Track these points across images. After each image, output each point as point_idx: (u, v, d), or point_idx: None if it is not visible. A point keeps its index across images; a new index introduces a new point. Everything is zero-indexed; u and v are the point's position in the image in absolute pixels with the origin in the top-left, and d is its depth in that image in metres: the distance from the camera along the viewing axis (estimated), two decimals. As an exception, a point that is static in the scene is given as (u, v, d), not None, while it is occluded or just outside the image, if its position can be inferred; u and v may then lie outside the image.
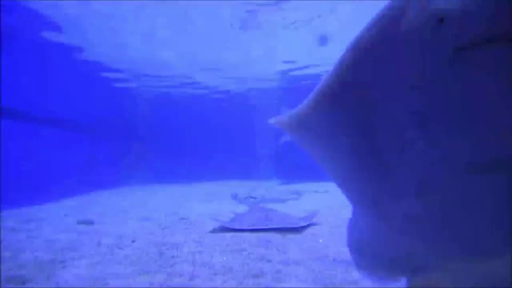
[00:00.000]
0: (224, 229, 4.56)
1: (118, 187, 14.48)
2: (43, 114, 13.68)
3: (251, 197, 8.06)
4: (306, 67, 13.95)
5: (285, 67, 14.33)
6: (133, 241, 4.15)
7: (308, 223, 4.75)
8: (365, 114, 1.08)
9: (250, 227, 4.44)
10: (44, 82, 13.10)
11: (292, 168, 17.87)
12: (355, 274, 2.80)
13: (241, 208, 6.83)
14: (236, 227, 4.51)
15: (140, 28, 9.11)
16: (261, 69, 14.23)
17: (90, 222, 5.52)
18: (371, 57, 1.02)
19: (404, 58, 0.96)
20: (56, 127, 15.19)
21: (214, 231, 4.58)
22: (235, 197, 7.67)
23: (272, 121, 1.48)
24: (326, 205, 7.52)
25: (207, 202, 8.37)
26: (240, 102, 20.56)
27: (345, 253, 3.13)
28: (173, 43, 10.58)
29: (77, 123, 16.66)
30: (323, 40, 9.76)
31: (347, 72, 1.08)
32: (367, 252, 1.53)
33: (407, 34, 0.94)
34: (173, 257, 3.44)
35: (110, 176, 16.39)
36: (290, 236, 4.32)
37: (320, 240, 4.23)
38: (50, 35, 9.23)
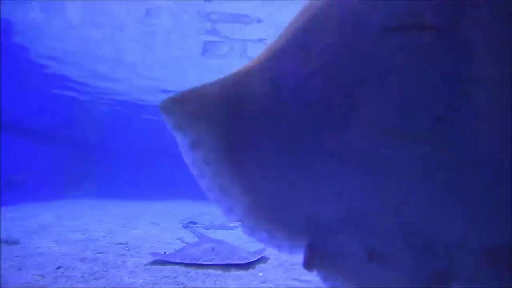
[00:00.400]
0: (164, 262, 4.35)
1: (60, 200, 13.29)
2: None
3: (191, 222, 7.93)
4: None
5: None
6: (58, 268, 3.84)
7: (258, 257, 4.58)
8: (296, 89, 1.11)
9: (193, 261, 4.24)
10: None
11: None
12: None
13: (189, 235, 6.68)
14: (177, 260, 4.31)
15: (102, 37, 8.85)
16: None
17: (14, 242, 4.99)
18: (306, 35, 1.06)
19: (338, 35, 0.98)
20: None
21: (153, 263, 4.39)
22: (186, 226, 7.38)
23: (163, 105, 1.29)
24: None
25: (153, 224, 8.04)
26: None
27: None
28: (134, 61, 10.48)
29: (16, 126, 15.29)
30: None
31: (284, 45, 1.11)
32: (266, 205, 1.41)
33: (342, 12, 0.97)
34: (98, 289, 3.26)
35: (52, 186, 15.04)
36: (233, 270, 4.28)
37: (260, 274, 4.29)
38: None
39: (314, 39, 1.04)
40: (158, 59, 10.59)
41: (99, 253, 4.69)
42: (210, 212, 10.12)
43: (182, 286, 3.54)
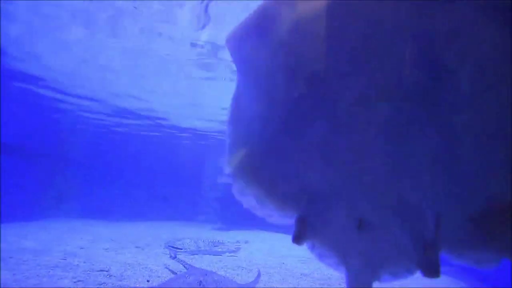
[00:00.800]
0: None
1: (41, 219, 12.71)
2: None
3: (176, 248, 7.64)
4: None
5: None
6: (33, 299, 3.63)
7: None
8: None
9: None
10: None
11: (233, 214, 17.79)
12: None
13: (175, 263, 6.45)
14: None
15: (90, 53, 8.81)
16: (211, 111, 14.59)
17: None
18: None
19: None
20: None
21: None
22: (173, 257, 6.85)
23: None
24: (266, 264, 7.52)
25: (137, 248, 7.75)
26: (187, 141, 20.38)
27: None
28: (124, 77, 10.47)
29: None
30: None
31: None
32: (262, 172, 1.41)
33: None
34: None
35: (30, 205, 14.40)
36: None
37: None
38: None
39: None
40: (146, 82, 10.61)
41: (78, 281, 4.46)
42: (192, 236, 9.83)
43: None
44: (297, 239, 1.40)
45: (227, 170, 1.46)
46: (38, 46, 8.15)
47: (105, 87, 11.39)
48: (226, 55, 7.68)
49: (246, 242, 9.15)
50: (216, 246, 8.17)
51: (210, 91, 10.91)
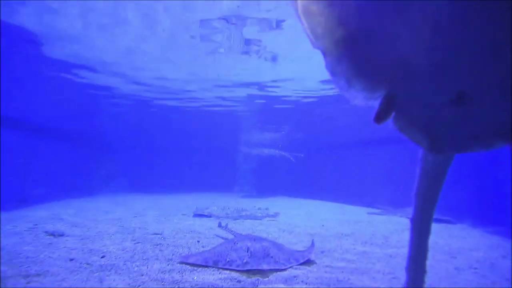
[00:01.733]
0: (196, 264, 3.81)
1: (91, 196, 14.05)
2: (12, 117, 13.35)
3: (201, 214, 7.85)
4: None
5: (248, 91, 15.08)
6: (102, 257, 4.08)
7: (302, 261, 3.95)
8: None
9: (225, 266, 3.61)
10: (10, 82, 12.71)
11: (267, 184, 18.22)
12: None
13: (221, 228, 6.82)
14: (210, 264, 3.74)
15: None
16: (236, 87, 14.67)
17: (59, 234, 5.35)
18: None
19: None
20: (26, 131, 14.85)
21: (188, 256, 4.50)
22: (219, 225, 6.76)
23: None
24: (306, 226, 7.66)
25: (184, 216, 8.30)
26: (219, 113, 20.68)
27: None
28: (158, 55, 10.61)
29: (48, 128, 16.27)
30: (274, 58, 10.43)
31: None
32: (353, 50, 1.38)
33: None
34: (142, 275, 3.42)
35: (83, 184, 15.93)
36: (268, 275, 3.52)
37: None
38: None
39: None
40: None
41: (137, 242, 4.92)
42: (222, 205, 10.16)
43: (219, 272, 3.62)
44: (381, 117, 1.41)
45: (319, 44, 1.38)
46: (74, 28, 8.38)
47: (142, 63, 11.67)
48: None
49: (278, 213, 9.34)
50: (241, 212, 8.40)
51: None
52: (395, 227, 7.58)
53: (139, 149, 22.76)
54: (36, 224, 6.20)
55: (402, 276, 3.68)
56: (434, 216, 7.87)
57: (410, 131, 1.48)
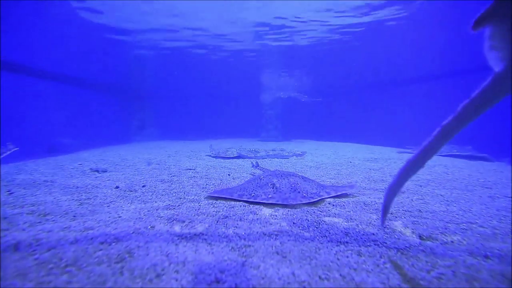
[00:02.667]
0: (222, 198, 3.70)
1: (126, 143, 14.97)
2: (52, 70, 13.75)
3: (217, 156, 7.87)
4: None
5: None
6: (143, 186, 4.44)
7: (334, 194, 3.73)
8: None
9: (250, 199, 3.46)
10: (48, 37, 12.92)
11: (292, 128, 18.16)
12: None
13: (247, 163, 7.06)
14: (235, 196, 3.58)
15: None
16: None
17: (103, 170, 5.85)
18: None
19: None
20: (66, 84, 15.42)
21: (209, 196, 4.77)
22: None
23: None
24: (333, 163, 7.70)
25: (211, 156, 8.66)
26: (241, 61, 20.05)
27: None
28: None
29: (84, 81, 16.76)
30: None
31: None
32: None
33: None
34: (180, 198, 3.70)
35: (118, 132, 16.90)
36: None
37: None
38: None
39: None
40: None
41: (173, 176, 5.27)
42: (245, 147, 10.40)
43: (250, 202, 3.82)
44: (484, 19, 1.32)
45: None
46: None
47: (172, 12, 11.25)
48: None
49: (304, 152, 9.36)
50: (269, 152, 8.49)
51: None
52: (426, 163, 7.38)
53: (168, 99, 23.25)
54: (80, 164, 6.79)
55: (431, 201, 3.67)
56: (470, 153, 7.52)
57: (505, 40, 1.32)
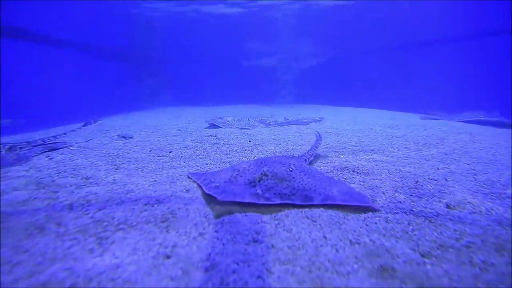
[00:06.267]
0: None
1: (143, 110, 15.24)
2: (69, 38, 13.72)
3: (214, 124, 7.72)
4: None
5: None
6: (170, 152, 4.63)
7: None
8: None
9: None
10: (62, 4, 12.67)
11: (307, 93, 17.76)
12: (373, 182, 3.04)
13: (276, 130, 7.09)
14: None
15: None
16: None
17: (130, 137, 6.09)
18: None
19: None
20: (83, 52, 15.42)
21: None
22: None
23: None
24: (353, 129, 7.62)
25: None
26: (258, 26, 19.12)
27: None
28: None
29: (103, 48, 16.68)
30: None
31: None
32: None
33: None
34: (207, 164, 3.87)
35: (131, 99, 17.16)
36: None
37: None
38: None
39: None
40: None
41: (196, 142, 5.44)
42: (251, 115, 10.35)
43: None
44: None
45: None
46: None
47: None
48: None
49: (323, 118, 9.24)
50: (287, 118, 8.42)
51: None
52: (451, 130, 7.18)
53: (182, 64, 23.01)
54: (107, 130, 7.07)
55: (456, 170, 3.65)
56: (497, 119, 7.25)
57: None
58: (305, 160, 3.56)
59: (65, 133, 5.47)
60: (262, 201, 2.29)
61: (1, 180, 3.03)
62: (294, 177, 2.55)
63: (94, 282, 1.47)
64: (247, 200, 2.26)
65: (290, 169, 2.64)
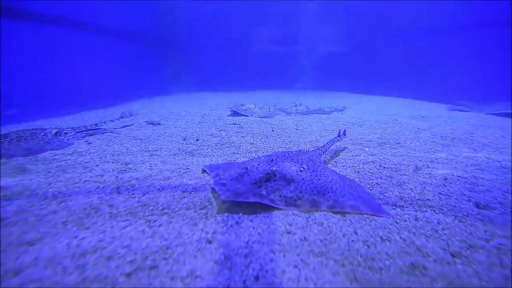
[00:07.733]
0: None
1: (166, 95, 15.56)
2: (92, 21, 13.95)
3: (235, 111, 7.71)
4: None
5: None
6: (197, 140, 4.81)
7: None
8: None
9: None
10: None
11: (328, 79, 17.35)
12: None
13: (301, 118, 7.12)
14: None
15: None
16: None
17: (157, 123, 6.34)
18: None
19: None
20: (103, 35, 15.68)
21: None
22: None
23: None
24: (377, 120, 7.51)
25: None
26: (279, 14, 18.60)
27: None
28: None
29: (126, 32, 16.91)
30: None
31: None
32: None
33: None
34: (234, 154, 4.01)
35: (153, 83, 17.44)
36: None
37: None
38: None
39: None
40: None
41: (221, 130, 5.59)
42: (267, 103, 10.28)
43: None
44: None
45: None
46: None
47: None
48: None
49: (345, 107, 9.09)
50: (309, 107, 8.37)
51: None
52: (481, 123, 6.92)
53: (204, 49, 23.04)
54: (136, 115, 7.36)
55: (486, 168, 3.58)
56: None
57: None
58: (319, 154, 3.33)
59: (104, 122, 5.79)
60: (266, 202, 2.23)
61: (50, 162, 3.31)
62: (303, 179, 2.44)
63: (149, 260, 1.66)
64: (250, 200, 2.21)
65: (301, 169, 2.54)
